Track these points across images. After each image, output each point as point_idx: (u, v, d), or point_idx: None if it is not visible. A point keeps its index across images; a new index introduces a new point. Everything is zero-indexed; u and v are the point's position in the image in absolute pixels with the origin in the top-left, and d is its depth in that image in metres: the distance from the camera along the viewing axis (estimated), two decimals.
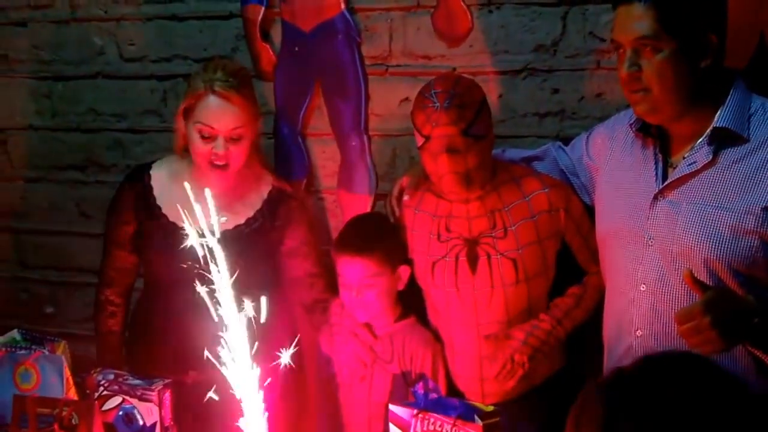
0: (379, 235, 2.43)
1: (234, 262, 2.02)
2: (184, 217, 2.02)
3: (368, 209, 2.86)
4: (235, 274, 2.01)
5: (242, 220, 2.51)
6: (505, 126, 2.67)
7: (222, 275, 2.00)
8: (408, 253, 2.43)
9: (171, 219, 2.49)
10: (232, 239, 2.22)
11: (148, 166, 2.59)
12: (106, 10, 3.10)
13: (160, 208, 2.52)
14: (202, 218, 2.05)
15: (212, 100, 2.37)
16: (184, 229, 2.39)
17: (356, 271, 2.37)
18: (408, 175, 2.50)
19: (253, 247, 2.50)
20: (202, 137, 2.38)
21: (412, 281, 2.45)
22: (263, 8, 2.88)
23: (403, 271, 2.42)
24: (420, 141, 2.26)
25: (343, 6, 2.78)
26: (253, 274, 2.34)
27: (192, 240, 1.99)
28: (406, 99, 2.76)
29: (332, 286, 2.57)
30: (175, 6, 3.01)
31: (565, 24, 2.60)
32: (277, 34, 2.90)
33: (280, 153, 2.96)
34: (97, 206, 3.25)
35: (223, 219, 2.24)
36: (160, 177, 2.55)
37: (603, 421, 1.22)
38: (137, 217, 2.55)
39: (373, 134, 2.86)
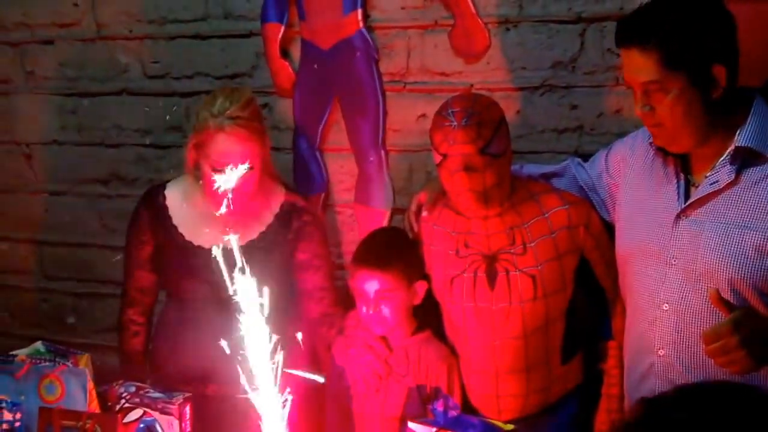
0: (396, 250, 2.35)
1: (249, 277, 1.98)
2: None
3: (385, 224, 2.79)
4: (252, 288, 1.96)
5: (255, 235, 2.45)
6: (523, 142, 2.60)
7: (239, 290, 1.96)
8: (425, 268, 2.36)
9: (187, 238, 2.44)
10: (245, 254, 2.18)
11: (162, 187, 2.53)
12: (131, 29, 3.05)
13: (176, 228, 2.46)
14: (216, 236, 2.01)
15: (223, 140, 2.30)
16: (200, 247, 2.38)
17: (373, 286, 2.29)
18: (426, 191, 2.42)
19: (267, 261, 2.42)
20: (213, 170, 2.33)
21: (429, 295, 2.37)
22: (283, 27, 2.82)
23: (420, 286, 2.34)
24: (438, 159, 2.18)
25: (361, 24, 2.72)
26: (269, 287, 2.30)
27: (208, 257, 1.96)
28: (423, 115, 2.70)
29: (341, 301, 2.53)
30: (198, 25, 2.96)
31: (583, 41, 2.53)
32: (296, 51, 2.85)
33: (299, 168, 2.89)
34: (119, 220, 3.20)
35: (236, 236, 2.19)
36: (174, 197, 2.50)
37: None
38: (155, 237, 2.50)
39: (390, 149, 2.79)
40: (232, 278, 1.94)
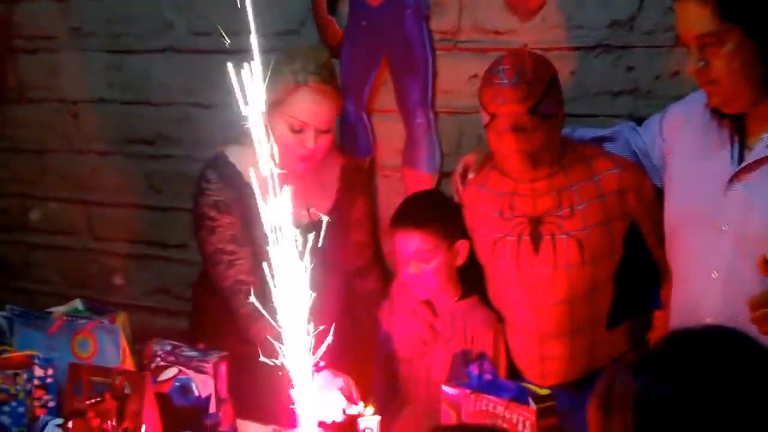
0: (436, 210, 2.40)
1: (329, 244, 2.09)
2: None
3: (432, 187, 2.81)
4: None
5: (330, 204, 2.53)
6: (576, 105, 2.56)
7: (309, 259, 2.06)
8: (466, 230, 2.38)
9: None
10: (329, 225, 2.22)
11: (226, 158, 2.49)
12: None
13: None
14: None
15: (306, 95, 2.34)
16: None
17: (413, 245, 2.33)
18: (473, 153, 2.44)
19: (343, 227, 2.55)
20: (292, 131, 2.36)
21: (475, 260, 2.40)
22: None
23: (462, 245, 2.37)
24: (486, 119, 2.19)
25: None
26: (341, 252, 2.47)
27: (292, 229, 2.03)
28: (475, 76, 2.68)
29: (379, 258, 2.67)
30: None
31: None
32: (345, 8, 2.87)
33: (345, 130, 2.91)
34: (166, 180, 3.30)
35: (312, 209, 2.36)
36: (246, 168, 2.38)
37: (636, 393, 1.17)
38: (244, 212, 2.44)
39: (439, 111, 2.80)
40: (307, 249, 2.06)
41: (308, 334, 2.07)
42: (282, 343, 2.10)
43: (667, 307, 2.23)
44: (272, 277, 2.09)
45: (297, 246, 2.05)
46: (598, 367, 2.30)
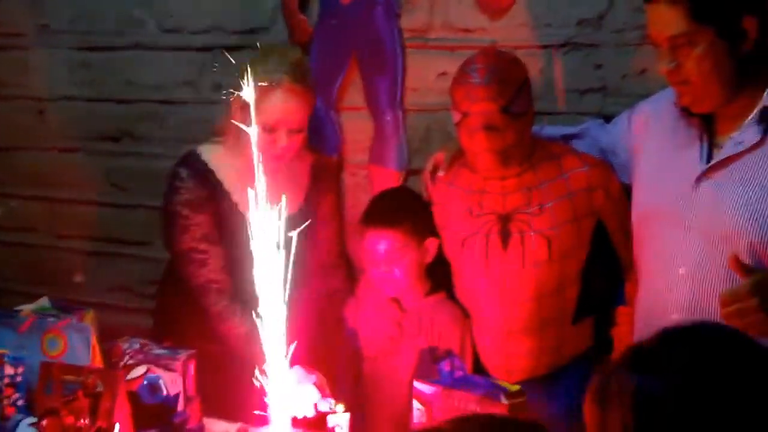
0: (405, 208, 2.43)
1: (298, 242, 2.08)
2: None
3: (399, 184, 2.82)
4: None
5: (302, 201, 2.53)
6: (545, 102, 2.61)
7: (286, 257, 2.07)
8: (435, 228, 2.41)
9: (241, 208, 2.42)
10: (299, 222, 2.23)
11: (199, 156, 2.49)
12: None
13: (237, 205, 2.44)
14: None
15: (279, 96, 2.34)
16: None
17: (383, 244, 2.36)
18: (443, 150, 2.47)
19: (312, 225, 2.49)
20: (264, 130, 2.35)
21: (443, 257, 2.42)
22: None
23: (431, 243, 2.40)
24: (457, 117, 2.22)
25: None
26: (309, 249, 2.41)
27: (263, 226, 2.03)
28: (444, 73, 2.71)
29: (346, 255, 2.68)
30: None
31: None
32: (314, 6, 2.88)
33: (313, 127, 2.89)
34: (129, 178, 3.29)
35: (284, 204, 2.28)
36: (218, 166, 2.47)
37: (634, 390, 1.17)
38: (215, 211, 2.46)
39: (408, 109, 2.83)
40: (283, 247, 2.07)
41: (282, 331, 2.07)
42: (255, 340, 2.11)
43: (631, 304, 2.26)
44: (247, 274, 2.10)
45: (270, 243, 2.06)
46: (563, 364, 2.36)
